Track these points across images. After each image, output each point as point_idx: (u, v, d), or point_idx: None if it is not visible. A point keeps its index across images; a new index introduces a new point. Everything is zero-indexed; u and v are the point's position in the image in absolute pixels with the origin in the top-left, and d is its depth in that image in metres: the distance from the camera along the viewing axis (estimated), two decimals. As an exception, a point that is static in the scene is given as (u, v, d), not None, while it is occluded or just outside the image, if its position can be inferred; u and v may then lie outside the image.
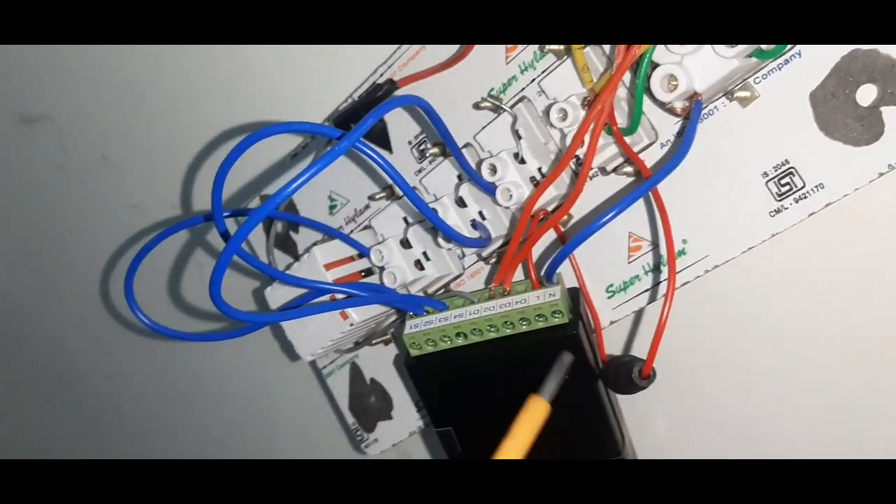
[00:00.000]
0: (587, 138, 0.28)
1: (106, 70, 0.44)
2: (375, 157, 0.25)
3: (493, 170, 0.31)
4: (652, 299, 0.30)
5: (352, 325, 0.34)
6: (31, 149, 0.50)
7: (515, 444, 0.27)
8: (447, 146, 0.30)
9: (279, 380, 0.44)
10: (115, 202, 0.48)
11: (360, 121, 0.24)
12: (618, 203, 0.25)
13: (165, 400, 0.51)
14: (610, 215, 0.25)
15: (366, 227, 0.36)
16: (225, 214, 0.35)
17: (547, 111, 0.29)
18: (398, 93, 0.33)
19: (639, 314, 0.32)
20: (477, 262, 0.34)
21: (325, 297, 0.32)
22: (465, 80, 0.32)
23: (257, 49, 0.38)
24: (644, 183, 0.26)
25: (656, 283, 0.30)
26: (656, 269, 0.30)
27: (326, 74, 0.37)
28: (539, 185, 0.30)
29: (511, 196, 0.30)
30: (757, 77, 0.27)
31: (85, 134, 0.48)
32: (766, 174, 0.27)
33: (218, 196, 0.26)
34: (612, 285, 0.31)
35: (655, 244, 0.30)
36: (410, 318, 0.32)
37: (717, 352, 0.31)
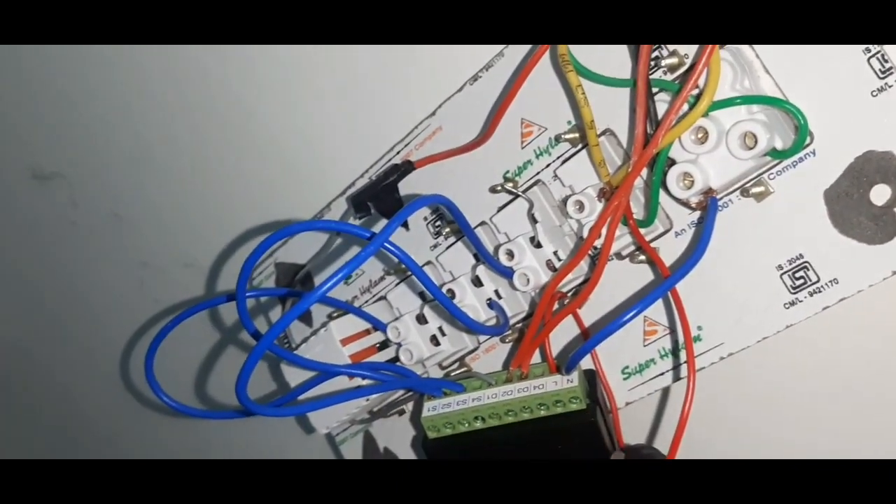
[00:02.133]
0: (604, 231, 0.28)
1: (117, 128, 0.45)
2: (402, 256, 0.26)
3: (511, 255, 0.31)
4: (674, 380, 0.31)
5: (367, 400, 0.35)
6: (42, 205, 0.50)
7: None
8: (466, 237, 0.30)
9: (291, 445, 0.45)
10: (128, 259, 0.49)
11: (388, 217, 0.25)
12: (638, 303, 0.26)
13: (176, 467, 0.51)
14: (630, 315, 0.26)
15: (381, 299, 0.37)
16: (248, 295, 0.35)
17: (564, 201, 0.30)
18: (416, 174, 0.34)
19: (655, 394, 0.32)
20: (492, 336, 0.34)
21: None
22: (481, 163, 0.32)
23: (273, 114, 0.39)
24: (663, 283, 0.26)
25: (674, 367, 0.31)
26: (672, 353, 0.31)
27: (344, 144, 0.37)
28: (557, 270, 0.30)
29: (528, 281, 0.31)
30: (771, 173, 0.27)
31: (97, 191, 0.48)
32: (780, 267, 0.28)
33: (242, 300, 0.26)
34: (627, 367, 0.32)
35: (671, 329, 0.30)
36: (428, 400, 0.32)
37: (729, 438, 0.32)
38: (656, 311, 0.30)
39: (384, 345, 0.36)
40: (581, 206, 0.29)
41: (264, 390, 0.44)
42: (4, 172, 0.50)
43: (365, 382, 0.33)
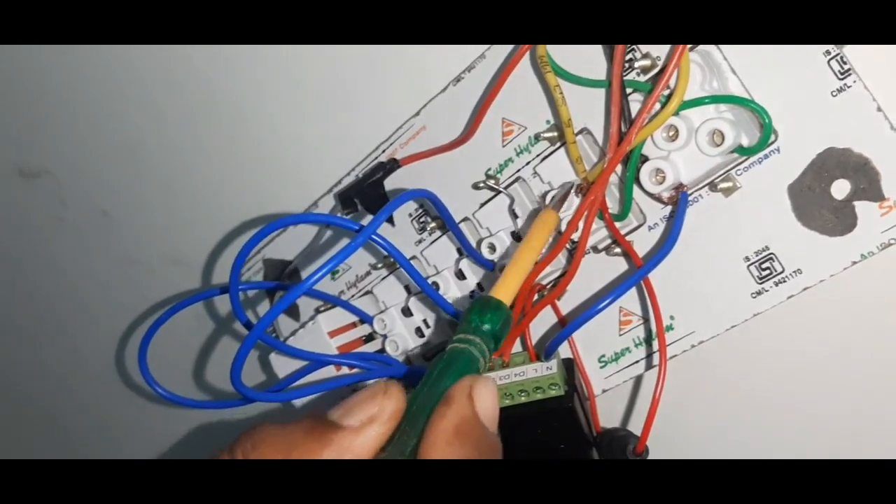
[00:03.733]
0: (581, 224, 0.30)
1: (105, 125, 0.45)
2: (389, 248, 0.27)
3: (493, 248, 0.32)
4: (647, 368, 0.32)
5: (355, 391, 0.36)
6: (30, 202, 0.51)
7: (530, 247, 0.29)
8: (450, 229, 0.31)
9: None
10: (116, 256, 0.49)
11: (374, 213, 0.26)
12: (612, 291, 0.27)
13: (167, 452, 0.52)
14: (605, 303, 0.27)
15: (367, 293, 0.38)
16: (240, 287, 0.36)
17: (543, 197, 0.31)
18: (400, 171, 0.35)
19: (630, 381, 0.33)
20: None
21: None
22: (464, 161, 0.34)
23: (261, 113, 0.40)
24: (636, 273, 0.28)
25: (648, 355, 0.32)
26: (646, 342, 0.32)
27: (331, 143, 0.38)
28: (536, 264, 0.32)
29: (510, 274, 0.32)
30: (739, 170, 0.29)
31: (84, 188, 0.49)
32: (747, 258, 0.29)
33: (235, 290, 0.28)
34: (604, 356, 0.33)
35: (645, 319, 0.32)
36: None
37: (701, 422, 0.33)
38: (631, 301, 0.32)
39: (370, 337, 0.38)
40: (559, 201, 0.30)
41: (254, 384, 0.45)
42: (-8, 170, 0.50)
43: (352, 371, 0.34)
